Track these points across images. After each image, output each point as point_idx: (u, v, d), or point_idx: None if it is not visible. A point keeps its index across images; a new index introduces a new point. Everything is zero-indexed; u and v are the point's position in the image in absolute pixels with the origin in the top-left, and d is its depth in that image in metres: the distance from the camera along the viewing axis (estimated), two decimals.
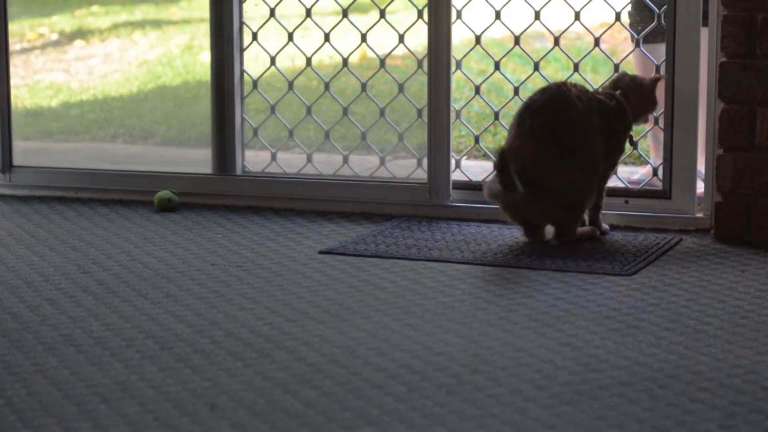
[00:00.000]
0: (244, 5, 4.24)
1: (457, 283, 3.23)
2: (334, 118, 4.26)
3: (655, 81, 3.69)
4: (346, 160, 4.20)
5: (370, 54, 4.32)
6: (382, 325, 2.88)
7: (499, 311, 2.98)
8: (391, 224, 3.85)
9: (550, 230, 3.59)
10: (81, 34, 7.24)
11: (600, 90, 3.68)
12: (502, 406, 2.37)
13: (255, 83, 4.27)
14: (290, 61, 4.43)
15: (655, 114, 3.78)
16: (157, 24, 7.44)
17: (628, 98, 3.64)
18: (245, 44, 4.26)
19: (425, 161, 4.02)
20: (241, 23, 4.24)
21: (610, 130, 3.59)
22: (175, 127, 5.75)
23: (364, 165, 4.21)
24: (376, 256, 3.51)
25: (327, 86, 4.25)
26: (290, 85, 4.27)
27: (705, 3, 3.70)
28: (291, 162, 4.31)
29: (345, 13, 4.18)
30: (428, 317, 2.95)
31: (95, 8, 7.61)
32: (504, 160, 3.38)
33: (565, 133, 3.49)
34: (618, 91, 3.64)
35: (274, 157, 4.28)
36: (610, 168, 3.63)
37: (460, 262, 3.43)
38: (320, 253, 3.57)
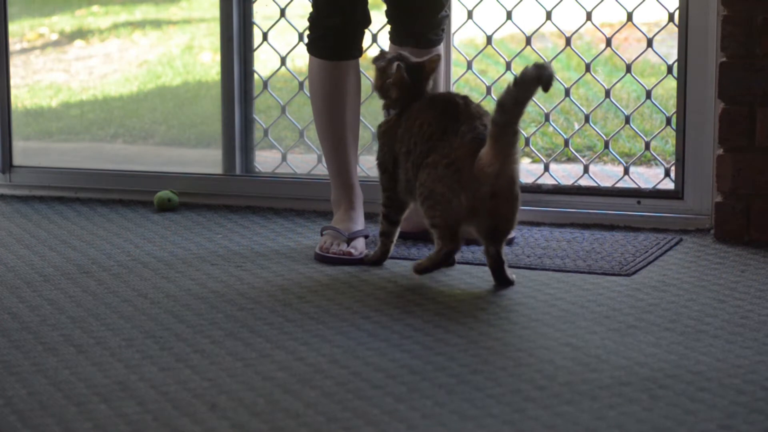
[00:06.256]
0: (255, 5, 4.24)
1: (457, 283, 3.23)
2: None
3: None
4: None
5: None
6: (382, 325, 2.88)
7: (499, 311, 2.98)
8: None
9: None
10: (81, 34, 7.24)
11: None
12: (502, 406, 2.37)
13: (265, 83, 4.27)
14: (291, 61, 4.43)
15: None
16: (157, 24, 7.43)
17: None
18: (255, 44, 4.27)
19: None
20: (251, 23, 4.24)
21: None
22: (175, 127, 5.75)
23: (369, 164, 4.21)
24: None
25: None
26: (300, 85, 4.28)
27: None
28: (296, 163, 4.30)
29: None
30: (428, 317, 2.95)
31: (95, 8, 7.61)
32: None
33: None
34: None
35: (284, 158, 4.28)
36: None
37: (462, 263, 3.43)
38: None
